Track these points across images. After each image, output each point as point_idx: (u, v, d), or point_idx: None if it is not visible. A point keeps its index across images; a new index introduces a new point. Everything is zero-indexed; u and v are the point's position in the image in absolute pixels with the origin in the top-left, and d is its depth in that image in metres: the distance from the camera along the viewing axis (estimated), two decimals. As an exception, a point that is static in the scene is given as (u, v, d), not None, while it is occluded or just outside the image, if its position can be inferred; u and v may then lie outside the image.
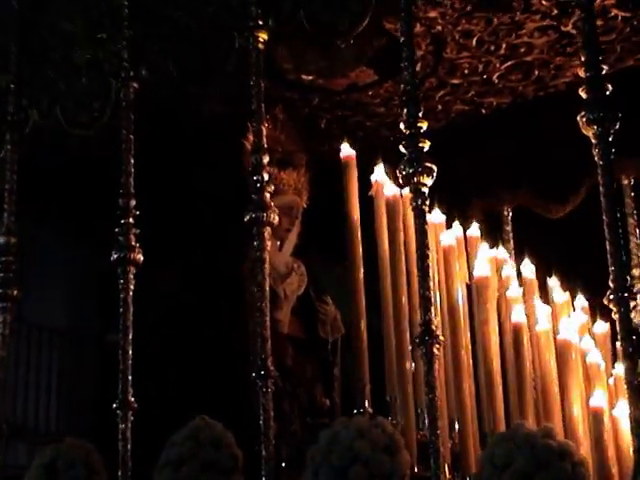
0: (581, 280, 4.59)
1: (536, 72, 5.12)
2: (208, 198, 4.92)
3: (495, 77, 5.13)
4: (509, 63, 5.03)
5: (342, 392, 4.87)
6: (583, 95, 3.29)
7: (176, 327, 4.63)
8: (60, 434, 10.05)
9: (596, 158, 3.25)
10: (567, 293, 4.40)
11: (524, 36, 4.82)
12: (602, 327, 4.34)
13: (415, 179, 3.42)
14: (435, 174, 3.45)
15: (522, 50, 4.93)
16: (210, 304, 4.69)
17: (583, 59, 3.34)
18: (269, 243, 3.85)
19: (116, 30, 4.30)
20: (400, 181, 3.55)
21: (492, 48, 4.90)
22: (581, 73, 3.32)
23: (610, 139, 3.25)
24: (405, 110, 3.53)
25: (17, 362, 11.00)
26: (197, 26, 4.23)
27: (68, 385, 11.03)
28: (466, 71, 5.05)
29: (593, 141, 3.26)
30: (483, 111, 5.37)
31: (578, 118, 3.27)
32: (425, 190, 3.43)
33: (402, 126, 3.52)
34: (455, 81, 5.07)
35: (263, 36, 3.91)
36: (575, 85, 5.10)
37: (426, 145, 3.47)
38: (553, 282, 4.47)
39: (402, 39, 3.64)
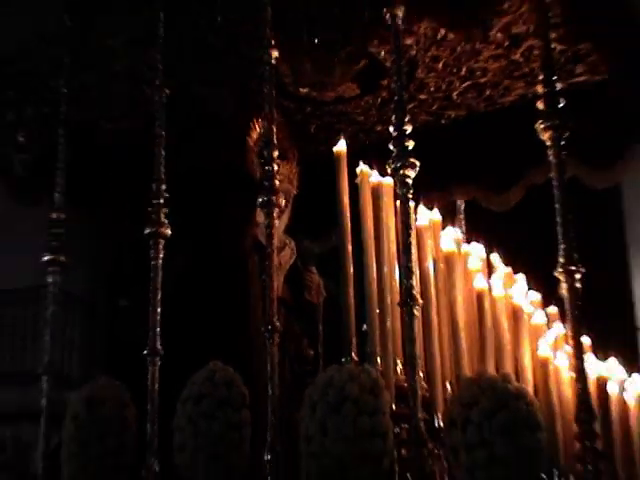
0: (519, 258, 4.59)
1: (487, 91, 5.14)
2: (215, 186, 4.90)
3: (455, 94, 5.15)
4: (467, 83, 5.05)
5: (324, 345, 4.88)
6: (540, 106, 3.30)
7: (190, 293, 4.60)
8: (80, 380, 10.17)
9: (550, 157, 3.28)
10: (509, 267, 4.41)
11: (481, 62, 4.84)
12: (535, 295, 4.37)
13: (401, 172, 3.43)
14: (418, 168, 3.46)
15: (478, 73, 4.96)
16: (218, 272, 4.68)
17: (541, 78, 3.34)
18: (279, 224, 3.85)
19: (152, 45, 4.27)
20: (389, 173, 3.57)
21: (454, 70, 4.92)
22: (539, 89, 3.33)
23: (562, 143, 3.26)
24: (394, 116, 3.53)
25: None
26: (220, 45, 4.22)
27: (85, 341, 11.07)
28: (432, 89, 5.06)
29: (548, 143, 3.27)
30: (443, 122, 5.38)
31: (536, 125, 3.28)
32: (409, 181, 3.44)
33: (391, 129, 3.51)
34: (422, 96, 5.08)
35: (275, 54, 3.89)
36: (518, 103, 5.24)
37: (410, 144, 3.46)
38: (495, 258, 4.47)
39: (393, 58, 3.64)
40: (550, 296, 4.42)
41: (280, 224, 4.82)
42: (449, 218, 4.52)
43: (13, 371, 11.33)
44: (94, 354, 10.98)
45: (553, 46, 4.68)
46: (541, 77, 3.35)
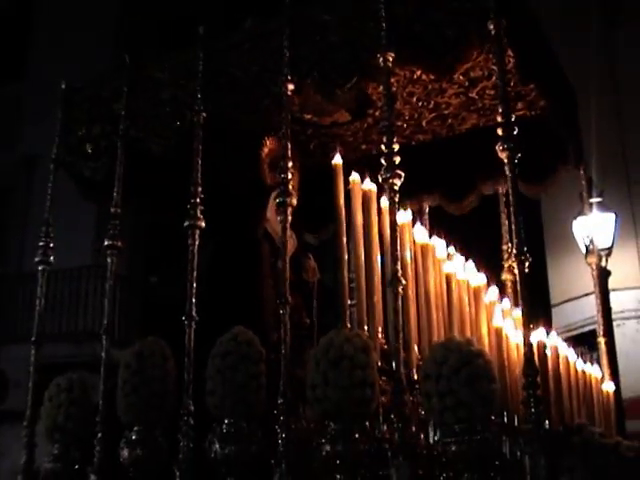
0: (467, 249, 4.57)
1: (449, 120, 5.10)
2: (236, 188, 4.85)
3: (424, 122, 5.11)
4: (434, 114, 5.02)
5: (317, 315, 4.86)
6: (500, 132, 3.31)
7: (218, 272, 4.55)
8: (120, 337, 10.14)
9: (507, 172, 3.29)
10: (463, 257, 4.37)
11: (445, 97, 4.82)
12: (482, 279, 4.35)
13: (390, 181, 3.44)
14: (402, 178, 3.47)
15: (443, 106, 4.92)
16: (238, 256, 4.65)
17: (500, 110, 3.36)
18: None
19: (192, 78, 4.26)
20: (380, 182, 3.56)
21: (425, 104, 4.89)
22: (499, 119, 3.35)
23: (516, 161, 3.27)
24: (385, 137, 3.54)
25: (96, 292, 11.25)
26: (246, 79, 4.20)
27: (124, 308, 10.98)
28: (407, 117, 5.02)
29: (505, 161, 3.28)
30: (413, 143, 5.34)
31: (496, 147, 3.30)
32: (396, 188, 3.45)
33: (383, 147, 3.53)
34: (399, 123, 4.99)
35: (290, 87, 3.90)
36: (472, 131, 5.23)
37: (397, 159, 3.48)
38: (451, 250, 4.43)
39: (384, 94, 3.66)
40: (491, 279, 4.45)
41: (286, 220, 4.80)
42: (417, 217, 4.52)
43: (69, 331, 11.32)
44: (131, 318, 10.92)
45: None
46: (500, 110, 3.37)
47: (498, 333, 3.56)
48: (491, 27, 3.49)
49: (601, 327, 4.69)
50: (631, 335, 10.30)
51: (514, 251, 3.12)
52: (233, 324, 3.68)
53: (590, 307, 5.10)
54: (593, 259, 5.02)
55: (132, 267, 11.26)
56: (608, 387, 4.58)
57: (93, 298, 11.15)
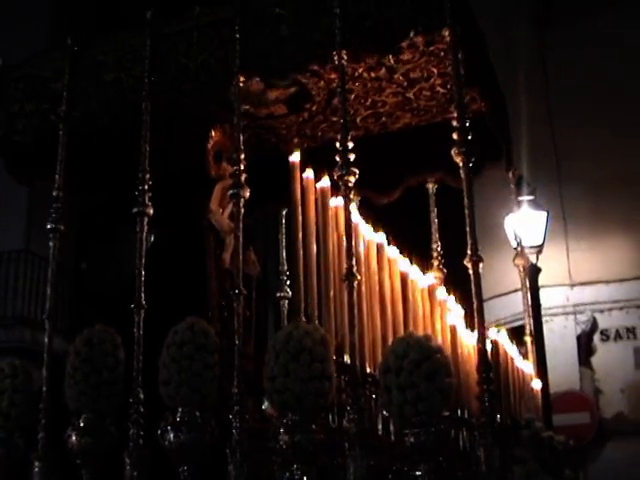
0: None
1: (383, 119, 5.18)
2: (181, 180, 4.80)
3: (358, 119, 5.16)
4: (369, 111, 5.08)
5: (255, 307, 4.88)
6: (455, 137, 3.40)
7: (159, 263, 4.48)
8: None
9: (462, 175, 3.38)
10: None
11: (383, 96, 4.89)
12: (431, 279, 4.43)
13: (345, 178, 3.49)
14: (357, 175, 3.52)
15: (379, 104, 4.99)
16: (181, 248, 4.61)
17: (455, 115, 3.45)
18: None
19: (137, 62, 4.20)
20: (335, 179, 3.60)
21: (362, 101, 4.94)
22: (454, 123, 3.43)
23: (470, 164, 3.37)
24: (340, 135, 3.58)
25: (26, 277, 10.89)
26: (195, 67, 4.16)
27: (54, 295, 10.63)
28: (342, 113, 5.06)
29: (460, 164, 3.38)
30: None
31: (452, 151, 3.38)
32: (351, 185, 3.50)
33: (337, 144, 3.57)
34: (334, 118, 5.04)
35: (242, 78, 3.90)
36: (403, 130, 5.31)
37: (352, 156, 3.53)
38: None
39: (339, 91, 3.69)
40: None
41: (227, 212, 4.79)
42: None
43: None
44: (59, 305, 10.58)
45: (437, 89, 4.86)
46: (455, 115, 3.46)
47: (452, 330, 3.65)
48: (446, 34, 3.58)
49: (529, 324, 4.88)
50: (559, 331, 10.60)
51: (468, 252, 3.22)
52: (176, 314, 3.66)
53: (519, 303, 5.28)
54: (523, 257, 5.19)
55: (62, 252, 10.85)
56: (536, 384, 4.77)
57: (23, 282, 10.82)
